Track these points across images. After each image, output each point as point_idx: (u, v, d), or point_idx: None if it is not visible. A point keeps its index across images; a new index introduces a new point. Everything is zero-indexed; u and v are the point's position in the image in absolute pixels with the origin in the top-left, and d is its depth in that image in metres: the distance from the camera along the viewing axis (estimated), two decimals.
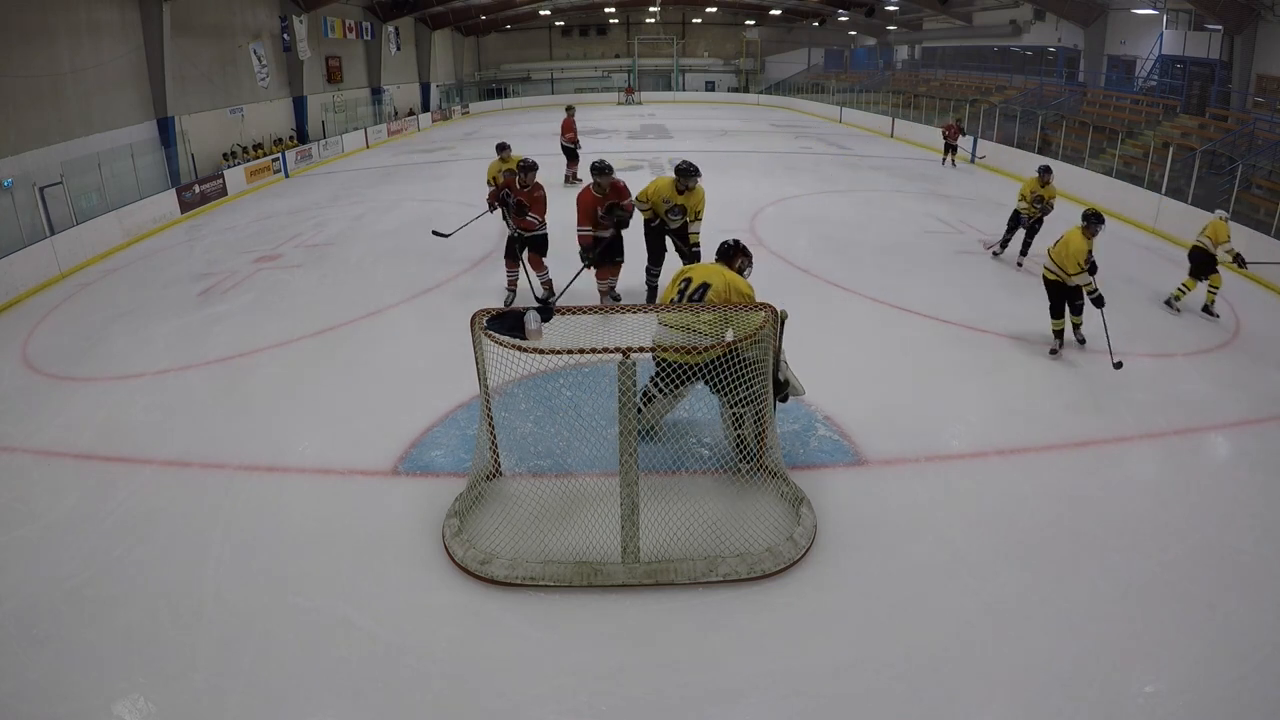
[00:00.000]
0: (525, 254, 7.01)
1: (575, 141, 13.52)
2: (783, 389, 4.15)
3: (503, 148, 8.81)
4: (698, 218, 6.72)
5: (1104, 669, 3.05)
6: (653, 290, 7.07)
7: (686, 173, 6.54)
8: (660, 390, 4.05)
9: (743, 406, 4.01)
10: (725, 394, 3.96)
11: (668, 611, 3.37)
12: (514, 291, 7.14)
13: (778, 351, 4.03)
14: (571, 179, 13.15)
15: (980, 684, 3.01)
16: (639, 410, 3.83)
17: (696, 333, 4.03)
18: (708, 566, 3.52)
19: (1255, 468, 4.58)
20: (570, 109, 14.05)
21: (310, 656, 3.15)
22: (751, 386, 3.89)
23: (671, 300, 4.22)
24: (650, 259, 7.04)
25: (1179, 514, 4.09)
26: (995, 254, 9.01)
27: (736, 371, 3.78)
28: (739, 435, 4.15)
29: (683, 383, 4.06)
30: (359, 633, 3.26)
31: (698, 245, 6.75)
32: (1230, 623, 3.30)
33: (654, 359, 3.86)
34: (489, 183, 8.53)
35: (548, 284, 7.14)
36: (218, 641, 3.23)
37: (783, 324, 4.09)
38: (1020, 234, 8.72)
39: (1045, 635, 3.23)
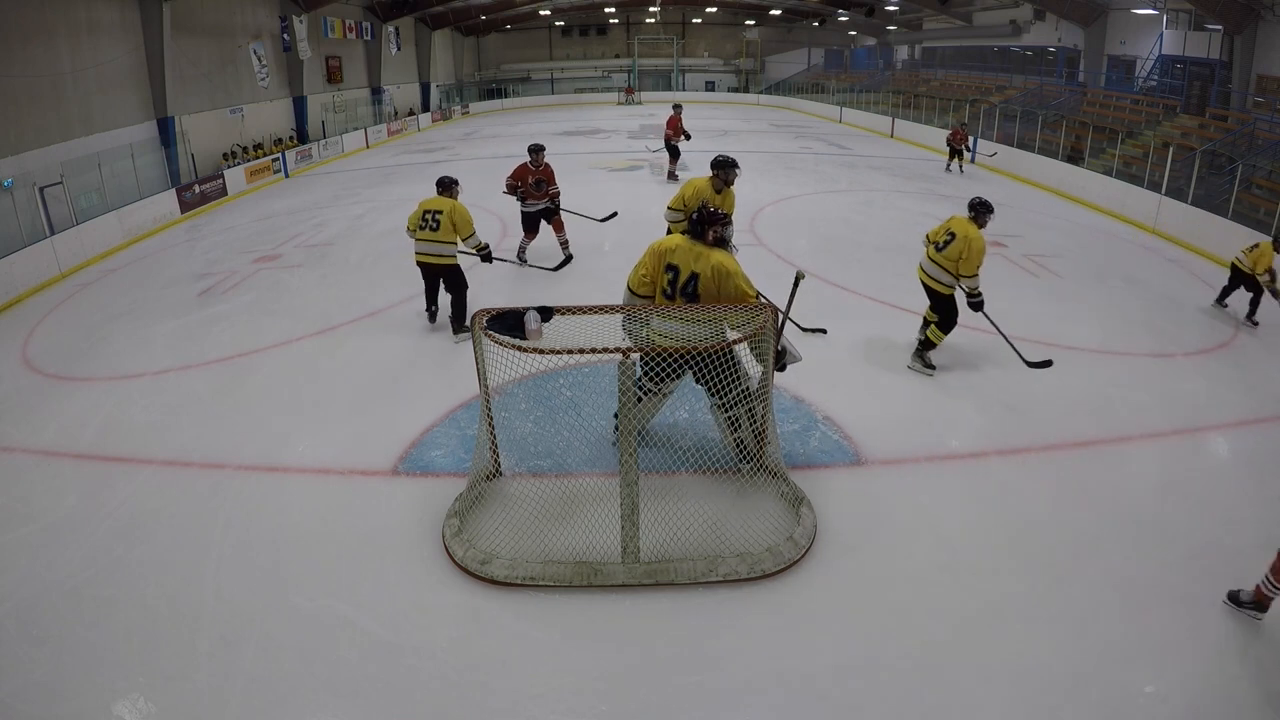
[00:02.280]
0: (548, 222, 8.24)
1: (681, 136, 13.51)
2: (781, 358, 4.03)
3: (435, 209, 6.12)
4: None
5: (1104, 669, 3.05)
6: None
7: (726, 164, 5.82)
8: (651, 380, 3.95)
9: (737, 407, 3.96)
10: (716, 391, 3.85)
11: (668, 611, 3.37)
12: (524, 259, 8.32)
13: (782, 325, 3.97)
14: (672, 175, 13.50)
15: (980, 684, 3.01)
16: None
17: (696, 323, 3.82)
18: (708, 566, 3.52)
19: (1255, 468, 4.58)
20: (677, 107, 13.98)
21: (310, 656, 3.15)
22: (742, 384, 3.87)
23: (664, 291, 4.02)
24: None
25: (1179, 514, 4.09)
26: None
27: (728, 369, 3.76)
28: (738, 438, 4.08)
29: (673, 376, 3.95)
30: (359, 633, 3.26)
31: None
32: (1230, 623, 3.30)
33: (644, 349, 3.63)
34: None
35: (564, 244, 8.40)
36: (218, 641, 3.23)
37: (797, 284, 4.14)
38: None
39: (1045, 635, 3.23)
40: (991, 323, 5.64)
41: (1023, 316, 6.91)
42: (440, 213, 6.10)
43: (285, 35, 19.98)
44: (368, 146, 21.58)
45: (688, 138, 13.71)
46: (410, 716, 2.90)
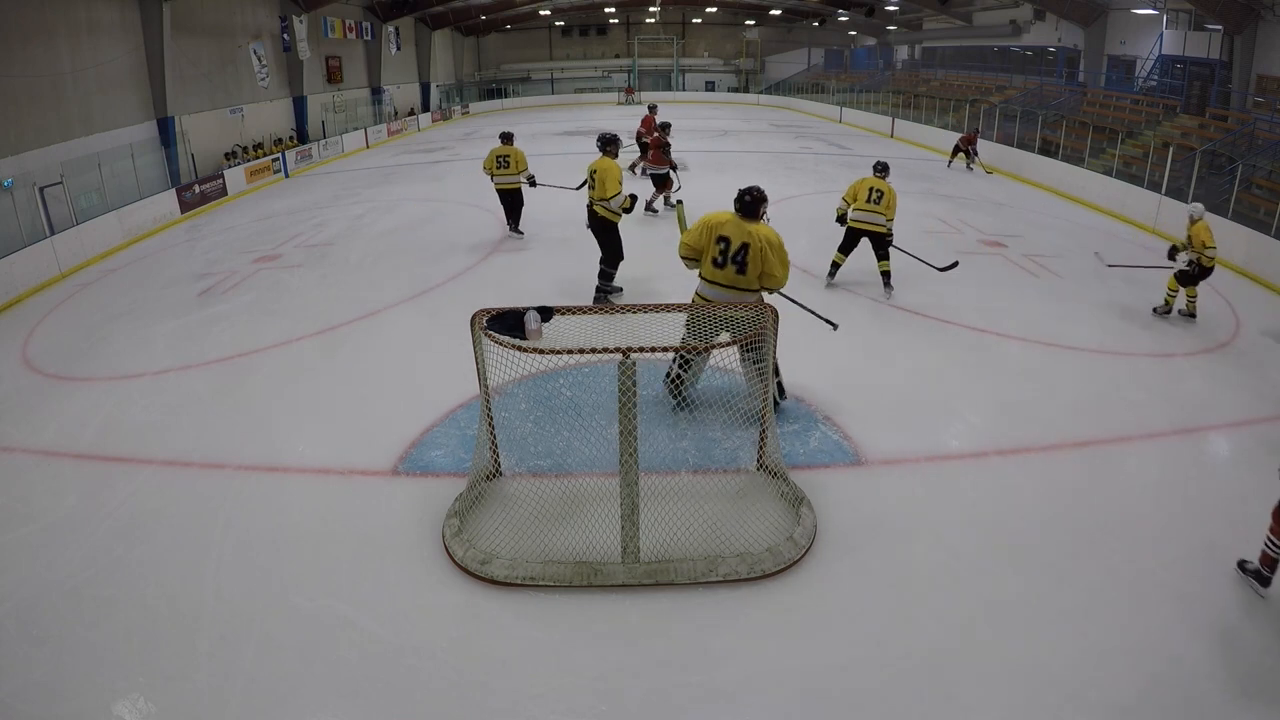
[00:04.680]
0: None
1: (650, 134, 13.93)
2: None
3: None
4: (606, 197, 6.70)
5: (1104, 669, 3.05)
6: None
7: (614, 140, 6.89)
8: (694, 338, 4.33)
9: (765, 360, 4.16)
10: (748, 349, 4.25)
11: (668, 611, 3.37)
12: (653, 209, 11.01)
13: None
14: (642, 171, 13.85)
15: (980, 684, 3.01)
16: (679, 378, 4.64)
17: (741, 290, 4.50)
18: (708, 566, 3.52)
19: (1255, 468, 4.57)
20: (653, 108, 14.61)
21: (310, 656, 3.15)
22: (768, 350, 4.21)
23: (714, 260, 4.55)
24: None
25: (1179, 514, 4.09)
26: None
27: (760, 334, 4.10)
28: (764, 386, 4.32)
29: (715, 333, 4.33)
30: (359, 633, 3.26)
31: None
32: (1229, 623, 3.30)
33: (690, 314, 4.33)
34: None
35: (667, 199, 10.89)
36: (218, 641, 3.23)
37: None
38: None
39: (1045, 635, 3.23)
40: (903, 251, 7.53)
41: (1023, 316, 6.92)
42: (509, 156, 9.32)
43: (285, 35, 19.98)
44: (368, 146, 21.58)
45: (666, 135, 14.03)
46: (410, 716, 2.90)
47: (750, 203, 4.55)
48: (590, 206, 6.90)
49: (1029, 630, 3.26)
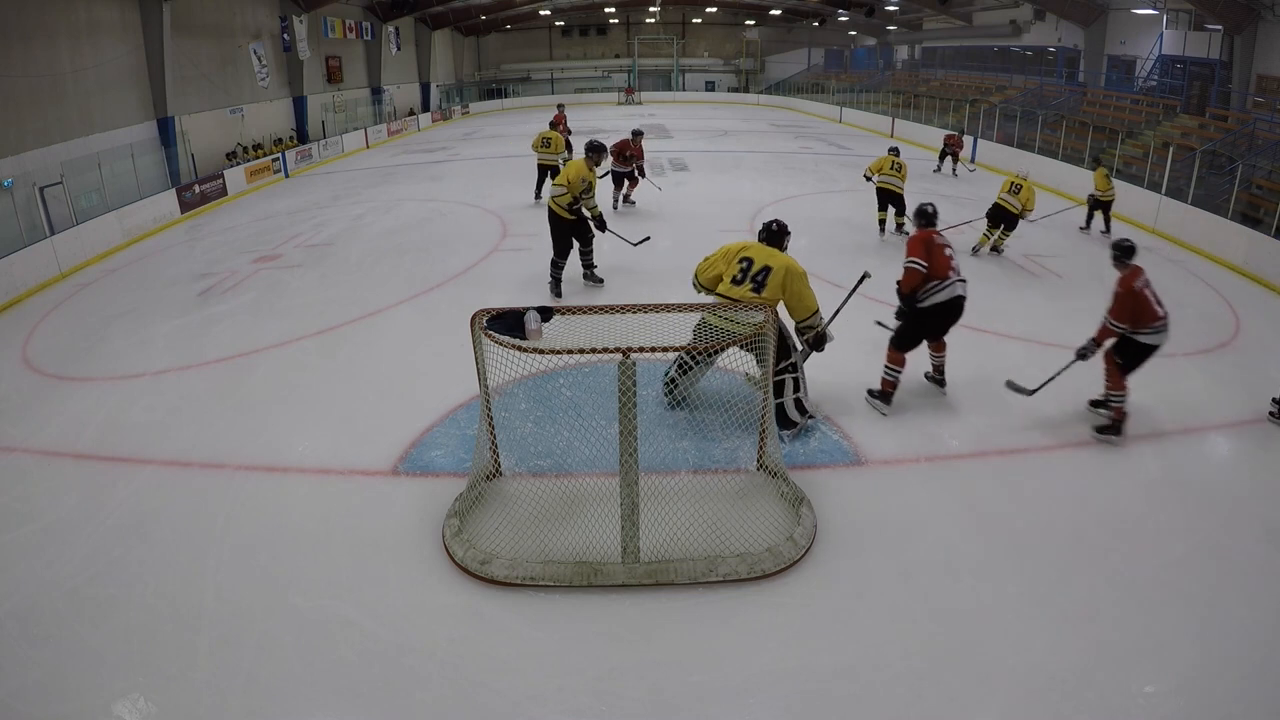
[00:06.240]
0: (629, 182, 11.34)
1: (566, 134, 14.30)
2: (821, 343, 4.74)
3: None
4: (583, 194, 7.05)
5: (1104, 669, 3.05)
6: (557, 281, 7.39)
7: (599, 148, 7.25)
8: (695, 360, 4.54)
9: (782, 374, 4.44)
10: (763, 360, 4.28)
11: (668, 611, 3.37)
12: (616, 207, 11.26)
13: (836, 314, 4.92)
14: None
15: (980, 684, 3.01)
16: (673, 381, 4.77)
17: (747, 310, 4.46)
18: (708, 566, 3.52)
19: (1255, 468, 4.59)
20: (561, 106, 15.40)
21: (310, 656, 3.15)
22: (788, 356, 4.45)
23: (734, 278, 4.62)
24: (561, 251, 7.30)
25: (1179, 514, 4.09)
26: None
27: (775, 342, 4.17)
28: (780, 403, 4.58)
29: (721, 350, 4.33)
30: (359, 633, 3.26)
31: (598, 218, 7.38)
32: (1230, 623, 3.30)
33: (698, 325, 4.46)
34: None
35: (627, 197, 11.50)
36: (218, 641, 3.23)
37: (861, 282, 5.23)
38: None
39: (1045, 635, 3.23)
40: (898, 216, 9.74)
41: (1023, 316, 6.92)
42: (550, 139, 11.17)
43: (285, 35, 19.97)
44: (368, 146, 21.57)
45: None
46: (410, 716, 2.90)
47: (776, 232, 4.79)
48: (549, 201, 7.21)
49: (1029, 630, 3.26)
